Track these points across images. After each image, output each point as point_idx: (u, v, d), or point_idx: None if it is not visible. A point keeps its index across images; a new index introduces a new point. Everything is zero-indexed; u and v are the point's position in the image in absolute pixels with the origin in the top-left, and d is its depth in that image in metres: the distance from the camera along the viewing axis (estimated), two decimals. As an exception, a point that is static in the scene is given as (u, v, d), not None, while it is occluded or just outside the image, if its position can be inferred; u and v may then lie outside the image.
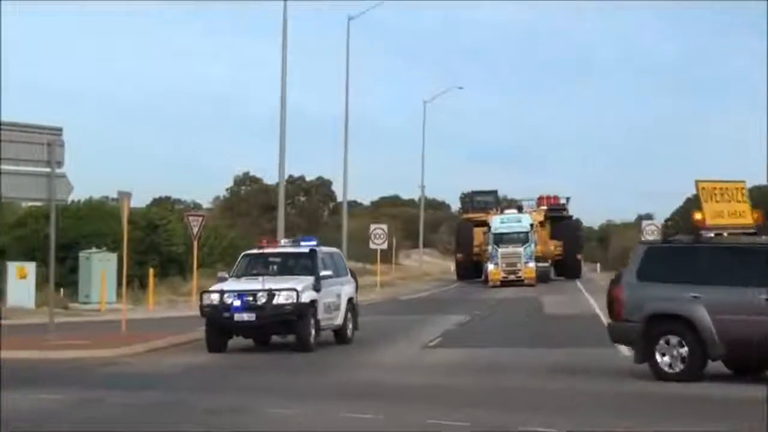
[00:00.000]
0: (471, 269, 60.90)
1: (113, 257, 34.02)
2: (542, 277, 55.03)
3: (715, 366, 15.22)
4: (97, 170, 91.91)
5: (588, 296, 40.76)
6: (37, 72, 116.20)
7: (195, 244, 34.45)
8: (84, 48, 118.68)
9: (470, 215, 64.37)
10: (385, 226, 50.55)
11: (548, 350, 20.19)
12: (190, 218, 35.18)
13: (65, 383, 15.55)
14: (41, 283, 31.14)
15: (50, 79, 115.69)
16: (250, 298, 19.48)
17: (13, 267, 33.23)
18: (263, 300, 19.47)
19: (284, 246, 22.15)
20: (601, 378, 15.70)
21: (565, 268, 61.70)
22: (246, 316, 19.44)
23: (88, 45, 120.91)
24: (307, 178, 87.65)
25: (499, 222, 55.54)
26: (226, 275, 20.92)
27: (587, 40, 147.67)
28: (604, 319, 27.93)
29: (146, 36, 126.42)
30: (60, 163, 22.42)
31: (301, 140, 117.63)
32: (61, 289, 34.07)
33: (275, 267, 21.22)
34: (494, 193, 67.08)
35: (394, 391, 14.67)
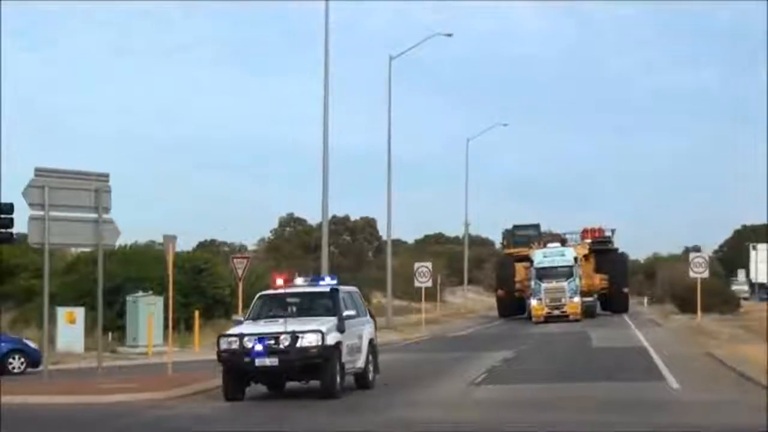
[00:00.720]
0: (513, 306, 59.77)
1: (159, 300, 34.30)
2: (588, 312, 53.71)
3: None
4: (144, 214, 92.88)
5: (636, 330, 40.32)
6: (84, 118, 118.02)
7: (240, 285, 34.62)
8: (129, 90, 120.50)
9: (511, 250, 63.19)
10: (429, 264, 50.46)
11: (597, 384, 19.97)
12: (236, 260, 35.35)
13: (114, 427, 15.62)
14: (90, 327, 31.47)
15: (96, 123, 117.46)
16: (272, 342, 18.05)
17: (62, 312, 33.67)
18: (286, 343, 18.01)
19: (302, 285, 20.46)
20: (650, 411, 15.48)
21: (612, 302, 60.16)
22: (268, 361, 18.00)
23: (133, 87, 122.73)
24: (352, 218, 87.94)
25: (542, 256, 54.17)
26: (242, 318, 19.84)
27: (627, 70, 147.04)
28: (653, 352, 27.63)
29: (190, 76, 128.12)
30: (107, 209, 22.76)
31: (344, 180, 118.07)
32: (110, 333, 34.38)
33: (294, 308, 19.74)
34: (536, 226, 65.51)
35: (444, 429, 14.57)
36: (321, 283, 20.52)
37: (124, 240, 42.11)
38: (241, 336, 18.34)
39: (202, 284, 42.63)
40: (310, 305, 19.74)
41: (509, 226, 69.07)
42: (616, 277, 59.66)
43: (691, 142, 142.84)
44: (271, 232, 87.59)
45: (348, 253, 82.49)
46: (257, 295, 20.31)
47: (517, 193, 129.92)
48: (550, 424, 14.69)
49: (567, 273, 52.67)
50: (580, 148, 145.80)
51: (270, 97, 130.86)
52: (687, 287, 53.39)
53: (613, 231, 63.65)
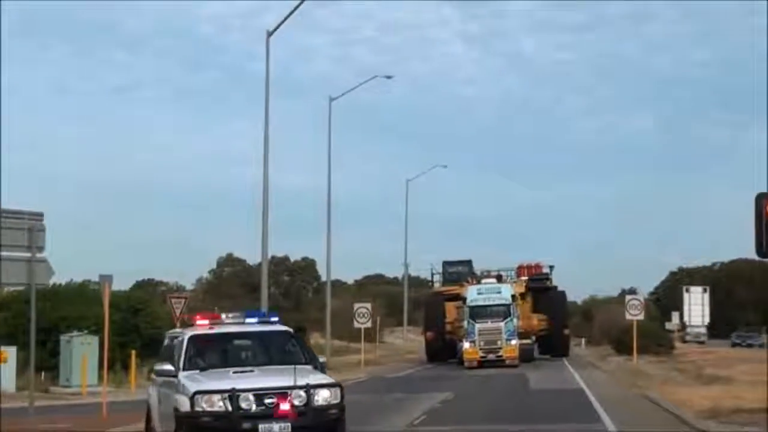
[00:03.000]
0: (444, 349, 54.47)
1: (94, 340, 33.76)
2: (525, 356, 49.01)
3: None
4: (79, 254, 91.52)
5: (573, 372, 40.54)
6: (20, 155, 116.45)
7: (177, 325, 34.21)
8: (67, 129, 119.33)
9: (441, 288, 57.90)
10: (368, 305, 50.50)
11: (535, 426, 20.05)
12: (173, 300, 34.97)
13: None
14: (22, 366, 30.82)
15: (33, 162, 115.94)
16: (272, 400, 13.48)
17: (-7, 351, 32.90)
18: (299, 401, 13.61)
19: (244, 324, 15.56)
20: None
21: (551, 345, 56.13)
22: (278, 428, 13.36)
23: (71, 125, 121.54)
24: (291, 258, 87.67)
25: (475, 293, 48.96)
26: (169, 368, 14.65)
27: (566, 113, 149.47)
28: (590, 393, 27.84)
29: (123, 118, 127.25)
30: (41, 248, 22.45)
31: (284, 220, 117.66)
32: (42, 373, 33.71)
33: (248, 353, 15.39)
34: (468, 263, 59.67)
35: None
36: (272, 319, 15.91)
37: (58, 279, 41.49)
38: (233, 393, 13.36)
39: (139, 324, 42.08)
40: (266, 350, 15.28)
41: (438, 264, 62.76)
42: (556, 318, 55.43)
43: (627, 186, 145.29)
44: (209, 272, 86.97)
45: (288, 293, 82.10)
46: (183, 337, 15.19)
47: (456, 235, 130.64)
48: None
49: (504, 312, 47.63)
50: (519, 190, 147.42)
51: (209, 137, 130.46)
52: (623, 329, 54.02)
53: (551, 268, 59.20)
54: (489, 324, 46.91)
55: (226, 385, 13.55)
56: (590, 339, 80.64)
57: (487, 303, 47.89)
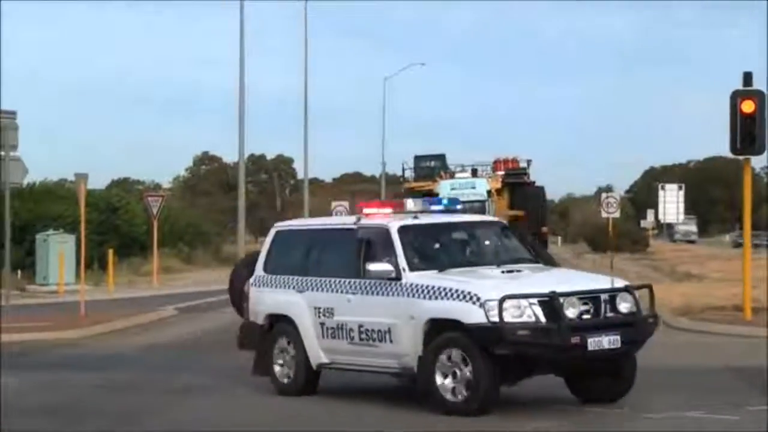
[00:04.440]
0: None
1: (71, 239, 33.67)
2: None
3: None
4: (54, 153, 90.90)
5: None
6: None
7: (155, 224, 34.22)
8: (37, 30, 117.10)
9: (412, 184, 53.76)
10: (346, 203, 50.34)
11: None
12: (150, 199, 34.94)
13: (23, 366, 15.39)
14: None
15: (6, 62, 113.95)
16: (589, 307, 10.67)
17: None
18: (625, 308, 10.86)
19: (445, 213, 12.42)
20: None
21: None
22: (608, 341, 10.50)
23: (42, 27, 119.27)
24: (268, 157, 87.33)
25: (449, 188, 45.72)
26: (387, 267, 11.22)
27: (545, 12, 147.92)
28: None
29: (99, 16, 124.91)
30: (14, 147, 22.20)
31: (261, 119, 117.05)
32: (18, 271, 33.69)
33: (469, 249, 12.12)
34: (441, 157, 55.92)
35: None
36: (458, 207, 12.78)
37: (32, 178, 41.24)
38: (554, 298, 10.44)
39: (116, 222, 42.02)
40: (488, 245, 12.20)
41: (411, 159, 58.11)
42: (534, 215, 50.99)
43: (603, 86, 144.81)
44: (186, 170, 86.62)
45: (264, 191, 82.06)
46: (388, 228, 11.45)
47: (434, 134, 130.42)
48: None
49: (478, 209, 43.24)
50: (496, 90, 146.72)
51: (186, 37, 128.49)
52: (598, 227, 54.40)
53: (528, 162, 55.01)
54: None
55: (537, 287, 10.64)
56: (566, 237, 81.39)
57: (461, 199, 46.37)
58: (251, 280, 12.61)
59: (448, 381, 10.51)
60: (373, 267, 11.20)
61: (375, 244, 11.47)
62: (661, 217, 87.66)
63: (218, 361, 15.82)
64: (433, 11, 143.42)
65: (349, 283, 11.52)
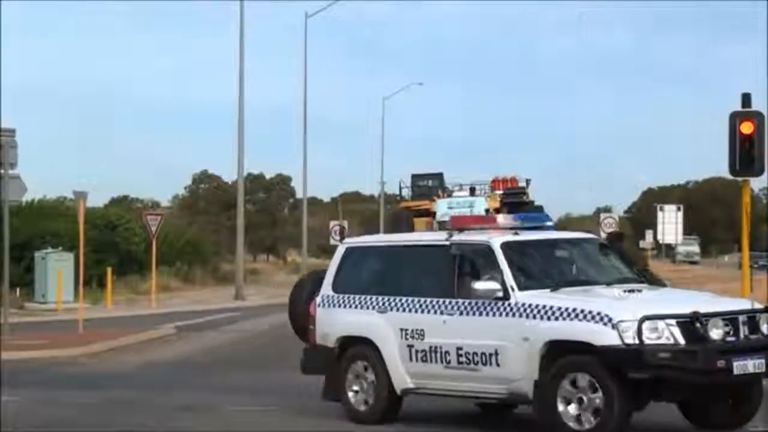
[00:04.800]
0: None
1: (70, 257, 33.66)
2: None
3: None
4: (53, 171, 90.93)
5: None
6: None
7: (153, 242, 34.22)
8: (35, 45, 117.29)
9: (409, 203, 52.52)
10: (345, 223, 50.52)
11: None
12: (149, 217, 34.91)
13: (22, 384, 15.35)
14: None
15: (3, 76, 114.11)
16: (730, 329, 10.10)
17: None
18: (749, 330, 10.24)
19: (542, 230, 11.72)
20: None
21: None
22: (753, 365, 9.93)
23: (40, 42, 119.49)
24: (267, 176, 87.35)
25: (446, 207, 43.91)
26: (494, 285, 10.60)
27: (544, 29, 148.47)
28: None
29: (98, 32, 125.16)
30: (13, 165, 22.24)
31: (260, 137, 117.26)
32: (17, 289, 33.66)
33: (571, 267, 11.52)
34: (439, 176, 54.75)
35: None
36: (549, 224, 12.09)
37: (31, 196, 41.22)
38: (698, 319, 9.84)
39: (115, 240, 42.04)
40: (589, 263, 11.57)
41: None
42: None
43: (604, 104, 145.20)
44: (185, 189, 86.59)
45: (263, 210, 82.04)
46: (490, 244, 10.81)
47: (431, 153, 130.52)
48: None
49: None
50: (497, 109, 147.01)
51: (185, 53, 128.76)
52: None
53: (527, 181, 53.31)
54: None
55: (674, 308, 10.00)
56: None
57: None
58: (317, 300, 11.71)
59: (572, 408, 9.73)
60: (479, 286, 10.43)
61: (473, 261, 10.76)
62: (659, 237, 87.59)
63: (219, 380, 15.82)
64: (432, 30, 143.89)
65: (443, 303, 10.73)
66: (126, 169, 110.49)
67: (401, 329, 10.98)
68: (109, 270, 33.71)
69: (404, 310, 11.04)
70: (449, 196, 47.29)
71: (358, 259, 11.81)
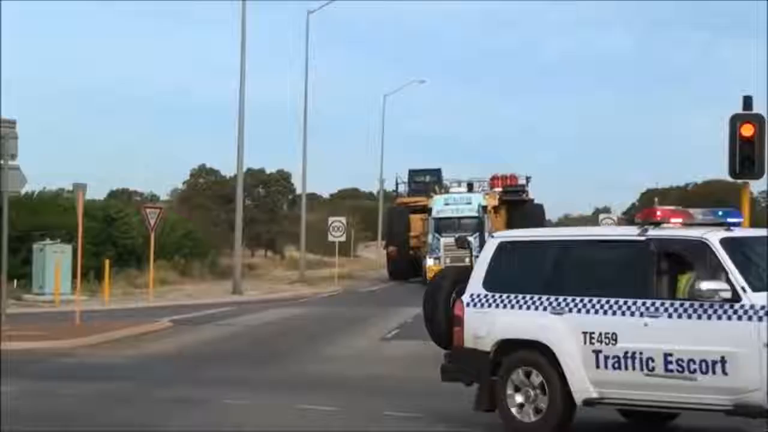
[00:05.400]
0: (406, 266, 49.14)
1: (68, 249, 33.65)
2: None
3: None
4: (53, 162, 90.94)
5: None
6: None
7: (152, 236, 34.21)
8: (36, 37, 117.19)
9: (405, 199, 52.51)
10: (343, 219, 50.41)
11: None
12: (147, 210, 34.87)
13: (19, 375, 15.34)
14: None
15: (5, 68, 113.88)
16: None
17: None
18: None
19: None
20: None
21: None
22: None
23: (41, 35, 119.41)
24: (267, 171, 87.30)
25: (442, 203, 43.93)
26: (722, 285, 9.46)
27: (545, 30, 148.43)
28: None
29: (100, 25, 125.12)
30: (14, 156, 22.22)
31: (260, 132, 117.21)
32: (15, 281, 33.66)
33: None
34: (437, 171, 53.72)
35: (353, 383, 14.68)
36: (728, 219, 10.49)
37: (31, 188, 41.20)
38: None
39: (113, 233, 42.01)
40: None
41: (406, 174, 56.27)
42: None
43: (602, 105, 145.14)
44: (183, 183, 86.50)
45: (262, 205, 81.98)
46: (709, 240, 9.73)
47: (431, 149, 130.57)
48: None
49: (473, 226, 42.40)
50: (498, 108, 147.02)
51: (187, 49, 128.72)
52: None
53: (527, 179, 53.20)
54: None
55: None
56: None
57: (455, 215, 43.33)
58: (465, 299, 10.53)
59: None
60: (707, 286, 9.28)
61: (681, 259, 9.74)
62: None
63: (215, 373, 15.83)
64: (433, 28, 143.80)
65: (643, 304, 9.62)
66: (126, 163, 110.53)
67: (584, 333, 9.81)
68: (107, 262, 33.68)
69: (588, 311, 9.85)
70: (446, 192, 47.21)
71: (516, 255, 10.63)
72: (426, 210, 46.10)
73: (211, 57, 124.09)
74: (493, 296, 10.42)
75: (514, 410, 10.13)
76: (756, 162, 15.33)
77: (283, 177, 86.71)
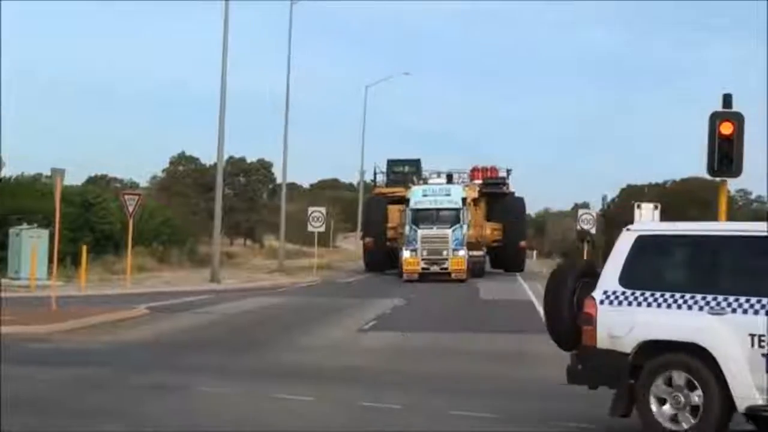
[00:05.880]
0: (382, 258, 48.46)
1: (44, 234, 33.46)
2: (475, 270, 43.51)
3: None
4: (32, 148, 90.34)
5: (523, 282, 41.01)
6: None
7: (130, 222, 34.06)
8: (17, 26, 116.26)
9: (383, 189, 51.52)
10: (323, 209, 50.33)
11: (481, 334, 20.34)
12: (126, 197, 34.71)
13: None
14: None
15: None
16: None
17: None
18: None
19: None
20: (534, 362, 15.83)
21: (505, 258, 49.92)
22: None
23: (22, 24, 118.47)
24: (248, 160, 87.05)
25: (420, 194, 42.95)
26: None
27: (531, 26, 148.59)
28: (539, 305, 28.30)
29: (81, 14, 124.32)
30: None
31: (241, 121, 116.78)
32: (-10, 265, 33.48)
33: None
34: (416, 162, 52.70)
35: (329, 373, 14.68)
36: None
37: (8, 172, 40.99)
38: None
39: (91, 219, 41.81)
40: None
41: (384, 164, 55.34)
42: (512, 228, 48.86)
43: (584, 102, 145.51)
44: (163, 170, 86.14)
45: (242, 194, 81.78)
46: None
47: (412, 141, 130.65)
48: (433, 374, 14.90)
49: (452, 218, 41.94)
50: (479, 101, 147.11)
51: (169, 38, 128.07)
52: (573, 241, 54.62)
53: (508, 172, 52.33)
54: (434, 230, 41.20)
55: None
56: (540, 251, 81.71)
57: (433, 206, 42.35)
58: (597, 297, 9.76)
59: None
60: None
61: None
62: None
63: (191, 360, 15.78)
64: (417, 20, 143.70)
65: None
66: (105, 149, 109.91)
67: (751, 335, 9.07)
68: (84, 248, 33.51)
69: (756, 312, 9.09)
70: (425, 183, 46.59)
71: (661, 250, 9.97)
72: (404, 201, 45.20)
73: (194, 44, 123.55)
74: (632, 293, 9.69)
75: (660, 418, 9.40)
76: (734, 160, 15.40)
77: (264, 166, 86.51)
